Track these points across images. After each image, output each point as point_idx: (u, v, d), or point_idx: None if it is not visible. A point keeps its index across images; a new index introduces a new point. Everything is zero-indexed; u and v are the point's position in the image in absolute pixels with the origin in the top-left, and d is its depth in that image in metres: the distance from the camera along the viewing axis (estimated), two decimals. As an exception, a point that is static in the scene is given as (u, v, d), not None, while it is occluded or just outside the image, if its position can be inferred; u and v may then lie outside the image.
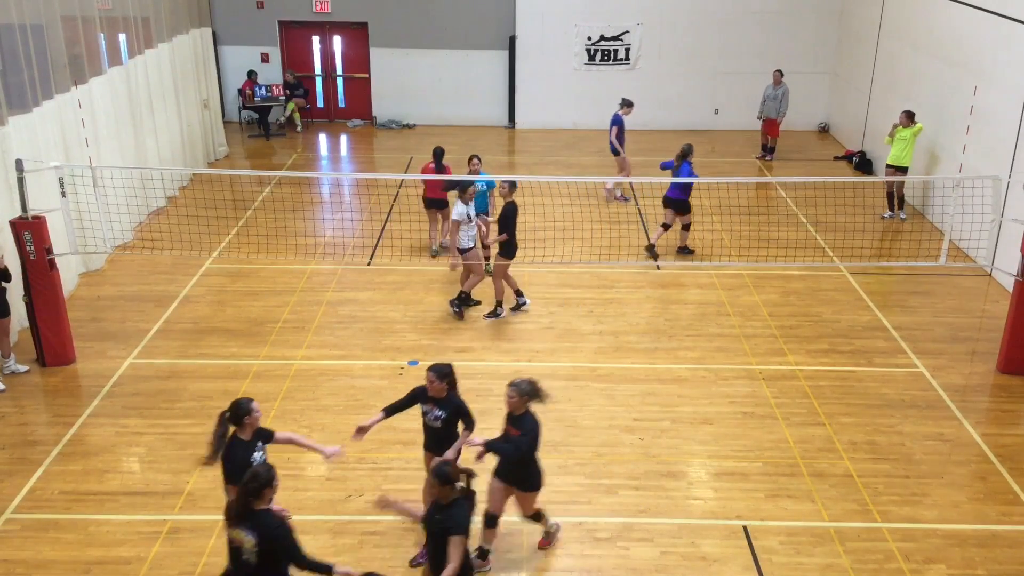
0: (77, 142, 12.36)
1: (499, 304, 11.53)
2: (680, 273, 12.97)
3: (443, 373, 7.17)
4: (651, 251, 13.33)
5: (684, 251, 13.56)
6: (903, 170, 14.42)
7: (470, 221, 11.12)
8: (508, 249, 11.21)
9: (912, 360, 10.69)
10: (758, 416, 9.53)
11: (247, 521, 5.74)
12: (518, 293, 11.68)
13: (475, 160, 12.49)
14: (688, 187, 13.22)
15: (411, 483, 8.36)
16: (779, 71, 18.07)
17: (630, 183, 16.02)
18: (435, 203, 13.30)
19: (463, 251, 11.21)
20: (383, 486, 8.32)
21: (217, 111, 17.97)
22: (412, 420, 9.28)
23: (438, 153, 13.04)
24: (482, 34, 20.01)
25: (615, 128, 15.40)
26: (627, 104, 15.56)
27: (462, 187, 11.05)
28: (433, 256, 13.51)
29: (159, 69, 15.25)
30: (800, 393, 9.96)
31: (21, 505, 8.06)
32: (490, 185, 12.49)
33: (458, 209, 11.02)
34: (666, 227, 13.44)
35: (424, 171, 13.26)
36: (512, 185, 11.24)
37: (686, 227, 13.50)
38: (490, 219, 12.07)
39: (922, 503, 8.23)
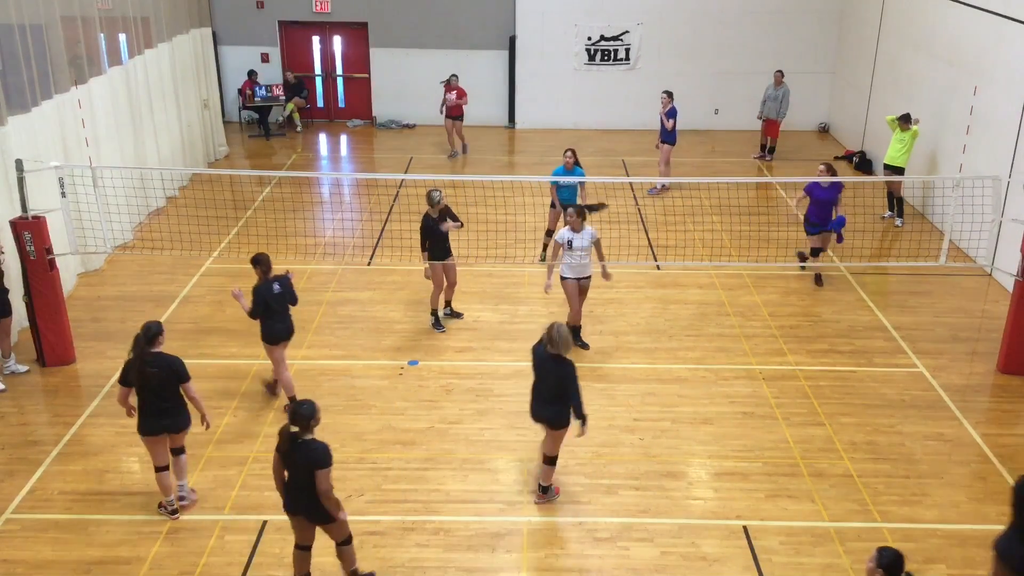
0: (77, 142, 12.36)
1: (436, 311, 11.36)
2: (680, 273, 12.97)
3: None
4: (805, 262, 12.79)
5: (817, 279, 12.56)
6: (899, 171, 14.41)
7: (571, 248, 10.15)
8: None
9: (912, 360, 10.69)
10: (758, 416, 9.53)
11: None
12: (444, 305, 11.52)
13: (569, 153, 12.52)
14: (829, 207, 12.20)
15: (411, 483, 8.37)
16: (780, 72, 18.05)
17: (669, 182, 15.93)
18: (455, 117, 18.10)
19: (564, 279, 10.39)
20: (383, 486, 8.32)
21: (217, 111, 17.97)
22: (412, 420, 9.34)
23: (454, 76, 18.07)
24: (482, 34, 20.01)
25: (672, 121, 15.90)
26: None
27: (588, 211, 10.29)
28: (449, 158, 18.21)
29: (159, 69, 15.26)
30: (800, 393, 9.96)
31: (21, 505, 8.06)
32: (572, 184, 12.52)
33: (562, 233, 10.23)
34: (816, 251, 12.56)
35: (448, 90, 18.02)
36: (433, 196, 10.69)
37: (815, 252, 12.51)
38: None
39: (922, 503, 8.23)
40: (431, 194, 10.71)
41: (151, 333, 7.55)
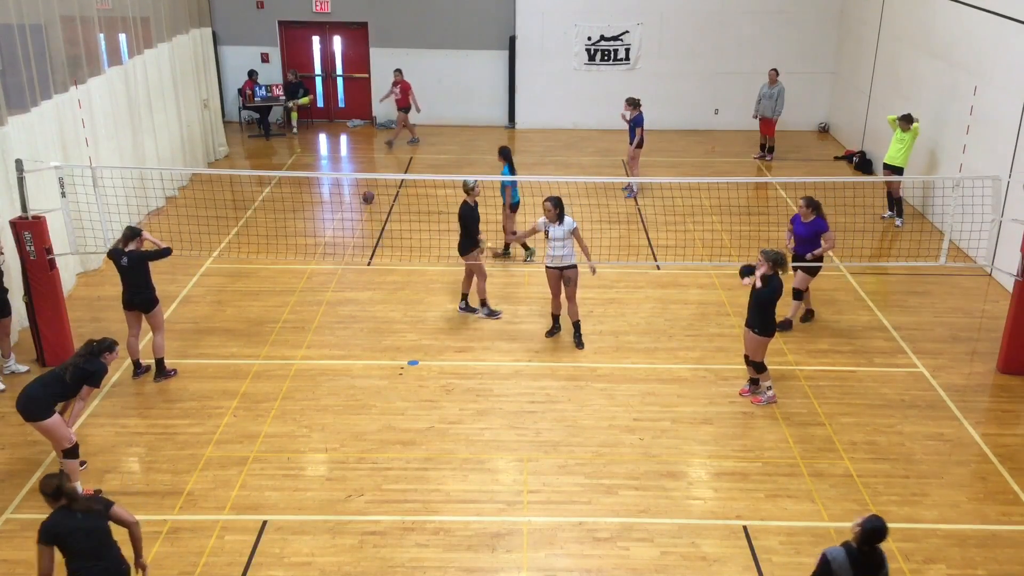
0: (76, 142, 12.36)
1: (483, 303, 11.63)
2: (680, 273, 12.96)
3: None
4: (785, 326, 11.21)
5: (785, 325, 11.19)
6: (898, 171, 14.41)
7: (548, 238, 10.56)
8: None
9: (912, 360, 10.69)
10: (758, 416, 9.53)
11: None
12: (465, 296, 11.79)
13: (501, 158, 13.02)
14: (813, 243, 10.86)
15: (411, 483, 8.38)
16: (775, 70, 18.05)
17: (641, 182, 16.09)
18: (403, 109, 18.83)
19: (563, 268, 10.62)
20: (383, 486, 8.32)
21: (217, 111, 17.97)
22: (412, 420, 9.35)
23: (398, 71, 18.88)
24: (482, 34, 20.01)
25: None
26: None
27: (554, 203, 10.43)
28: (388, 144, 19.09)
29: (159, 69, 15.25)
30: (800, 393, 9.96)
31: (21, 505, 8.06)
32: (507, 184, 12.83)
33: (541, 220, 10.62)
34: (796, 294, 11.28)
35: (400, 87, 18.74)
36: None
37: (797, 295, 11.24)
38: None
39: (922, 503, 8.23)
40: (467, 181, 11.28)
41: (103, 346, 8.10)
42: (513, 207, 13.07)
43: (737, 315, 11.66)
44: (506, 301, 11.95)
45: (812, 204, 10.87)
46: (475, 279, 11.48)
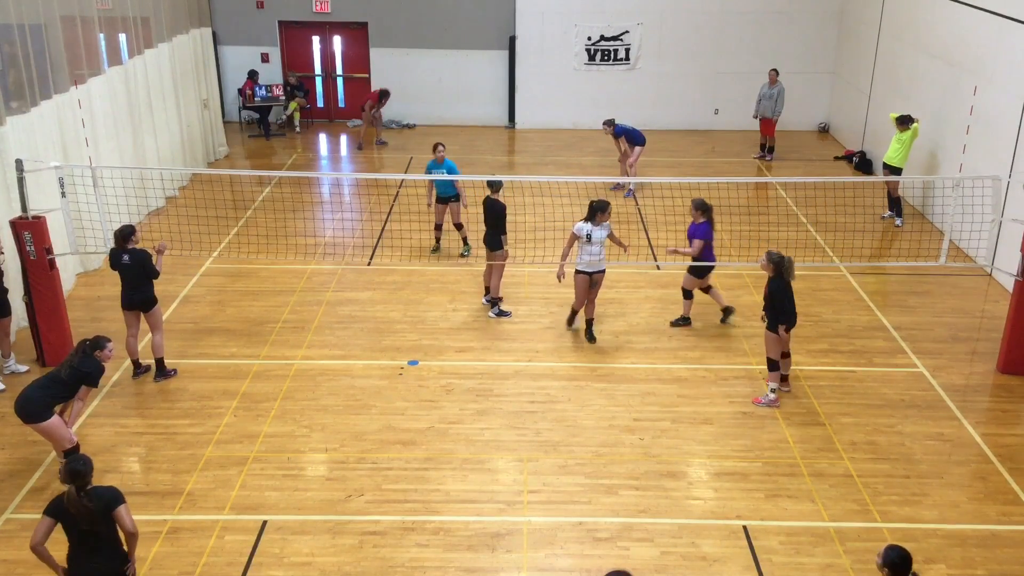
0: (76, 142, 12.35)
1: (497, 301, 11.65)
2: (680, 273, 12.92)
3: None
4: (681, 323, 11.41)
5: (680, 322, 11.42)
6: (896, 171, 14.42)
7: (589, 241, 10.33)
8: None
9: (912, 360, 10.69)
10: (758, 416, 9.53)
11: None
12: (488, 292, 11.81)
13: (440, 147, 12.85)
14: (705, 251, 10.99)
15: (411, 483, 8.37)
16: (774, 70, 18.06)
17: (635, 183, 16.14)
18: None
19: (596, 272, 10.56)
20: (383, 486, 8.32)
21: (217, 111, 17.97)
22: (412, 420, 9.35)
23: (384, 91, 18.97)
24: (482, 34, 20.01)
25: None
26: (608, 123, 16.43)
27: (599, 208, 10.30)
28: (381, 143, 19.05)
29: (159, 69, 15.25)
30: (800, 393, 9.96)
31: (21, 505, 8.05)
32: (451, 171, 12.82)
33: (580, 225, 10.42)
34: (685, 293, 11.39)
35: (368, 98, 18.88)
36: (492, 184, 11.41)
37: (686, 295, 11.37)
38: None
39: (922, 503, 8.23)
40: (500, 181, 11.39)
41: (95, 345, 8.15)
42: (440, 199, 13.06)
43: (737, 315, 11.66)
44: (506, 301, 11.93)
45: (698, 206, 11.00)
46: (492, 276, 11.51)
